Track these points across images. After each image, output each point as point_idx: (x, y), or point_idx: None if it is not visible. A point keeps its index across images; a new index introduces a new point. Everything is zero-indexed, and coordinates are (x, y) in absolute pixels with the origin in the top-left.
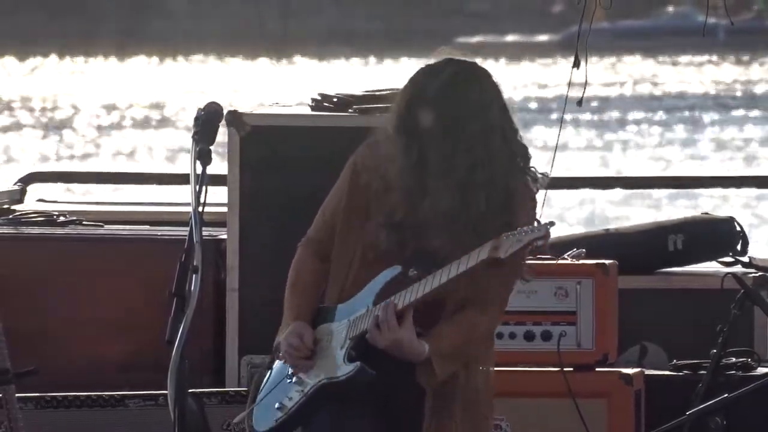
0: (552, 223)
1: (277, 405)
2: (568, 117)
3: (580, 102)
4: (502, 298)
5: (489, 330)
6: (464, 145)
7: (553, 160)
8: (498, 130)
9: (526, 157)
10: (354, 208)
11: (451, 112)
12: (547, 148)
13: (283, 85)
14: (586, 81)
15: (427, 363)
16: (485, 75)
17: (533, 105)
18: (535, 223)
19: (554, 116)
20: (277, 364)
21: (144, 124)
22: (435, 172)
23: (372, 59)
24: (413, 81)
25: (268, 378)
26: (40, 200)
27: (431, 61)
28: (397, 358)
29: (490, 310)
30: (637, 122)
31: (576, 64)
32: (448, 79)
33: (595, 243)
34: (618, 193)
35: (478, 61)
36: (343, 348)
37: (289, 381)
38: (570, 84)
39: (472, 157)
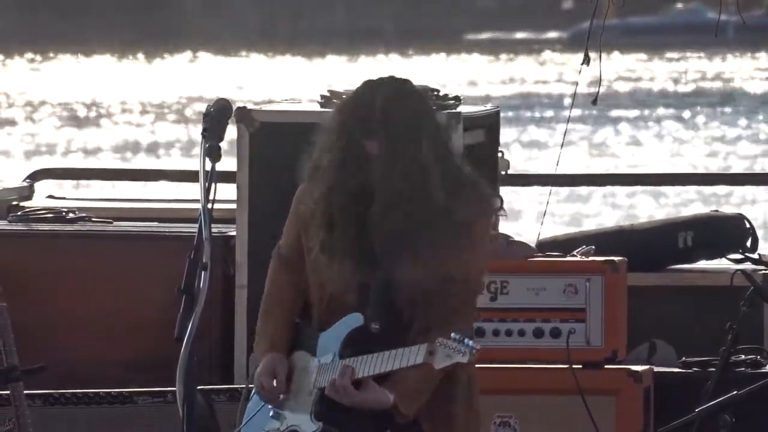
0: (477, 349)
1: None
2: (576, 114)
3: (595, 100)
4: (467, 314)
5: None
6: (405, 167)
7: (559, 157)
8: (439, 146)
9: (474, 181)
10: (308, 239)
11: (393, 133)
12: (552, 146)
13: (292, 82)
14: (600, 79)
15: (393, 407)
16: (415, 92)
17: (541, 102)
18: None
19: (555, 114)
20: None
21: (153, 120)
22: (381, 191)
23: (381, 56)
24: (349, 110)
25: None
26: (49, 197)
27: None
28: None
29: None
30: (645, 119)
31: (585, 62)
32: (383, 102)
33: (605, 240)
34: (627, 190)
35: (486, 57)
36: (311, 396)
37: (270, 411)
38: (578, 81)
39: (413, 175)
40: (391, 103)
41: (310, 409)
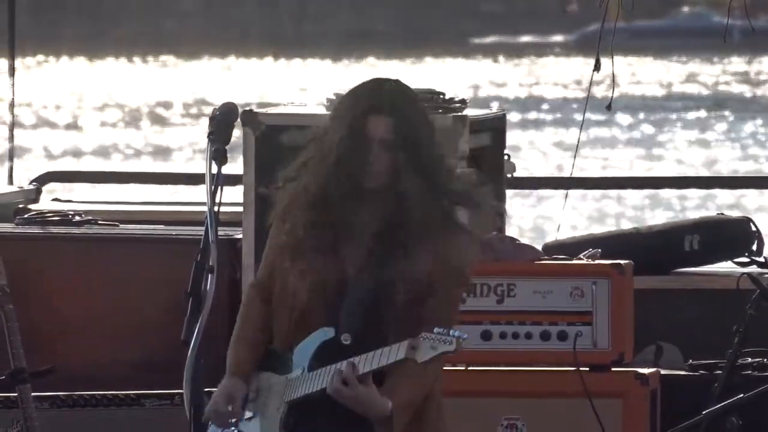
0: (464, 338)
1: None
2: (585, 116)
3: (609, 106)
4: (451, 321)
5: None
6: (416, 150)
7: (574, 160)
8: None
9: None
10: (283, 249)
11: (401, 113)
12: (559, 149)
13: (299, 86)
14: (613, 84)
15: (385, 418)
16: (417, 95)
17: (547, 105)
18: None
19: (561, 117)
20: None
21: (159, 123)
22: (375, 186)
23: (387, 60)
24: (356, 95)
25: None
26: (55, 200)
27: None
28: (343, 417)
29: None
30: (651, 122)
31: (597, 68)
32: (394, 91)
33: (611, 243)
34: (633, 193)
35: (491, 60)
36: (279, 410)
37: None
38: (590, 86)
39: (423, 163)
40: (398, 90)
41: (279, 422)
